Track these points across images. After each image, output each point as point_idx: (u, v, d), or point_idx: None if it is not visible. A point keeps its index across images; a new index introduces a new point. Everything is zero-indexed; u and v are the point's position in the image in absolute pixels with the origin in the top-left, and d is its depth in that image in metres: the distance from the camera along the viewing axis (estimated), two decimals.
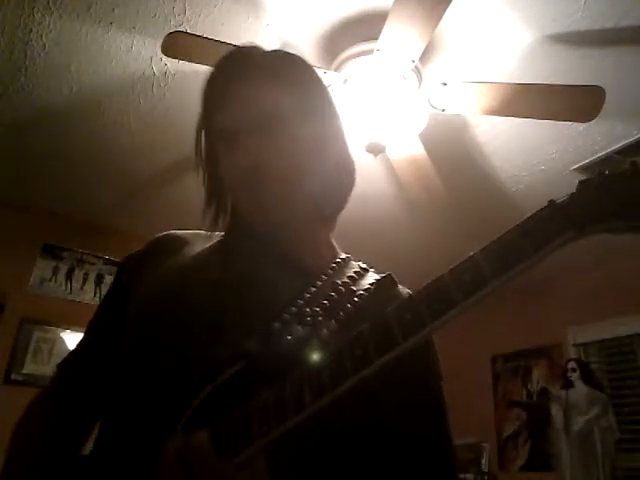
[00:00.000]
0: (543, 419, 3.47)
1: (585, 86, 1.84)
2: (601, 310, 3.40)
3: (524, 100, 1.87)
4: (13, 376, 2.98)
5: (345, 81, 1.96)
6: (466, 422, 4.00)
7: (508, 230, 0.52)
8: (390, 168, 2.40)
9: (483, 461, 3.86)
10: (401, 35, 1.69)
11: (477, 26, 1.88)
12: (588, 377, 3.26)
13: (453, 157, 2.55)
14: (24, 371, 3.02)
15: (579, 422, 3.12)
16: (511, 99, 1.86)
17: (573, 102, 1.83)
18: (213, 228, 0.82)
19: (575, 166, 2.56)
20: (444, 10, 1.59)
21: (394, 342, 0.51)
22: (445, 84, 1.92)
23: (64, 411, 0.81)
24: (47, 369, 3.08)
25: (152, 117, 2.42)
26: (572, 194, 0.51)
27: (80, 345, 0.86)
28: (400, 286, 0.77)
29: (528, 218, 0.51)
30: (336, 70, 1.99)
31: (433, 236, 3.26)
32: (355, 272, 0.76)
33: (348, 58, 1.97)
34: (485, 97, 1.88)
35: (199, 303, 0.70)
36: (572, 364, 3.33)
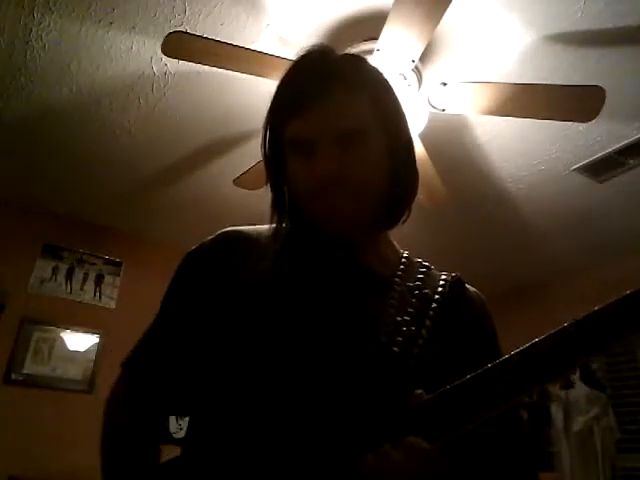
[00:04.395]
0: (543, 419, 3.46)
1: (585, 86, 1.84)
2: None
3: (524, 100, 1.87)
4: (13, 376, 2.98)
5: None
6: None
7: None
8: None
9: None
10: (401, 35, 1.69)
11: (477, 26, 1.88)
12: (588, 377, 3.26)
13: (453, 157, 2.55)
14: (24, 371, 3.02)
15: (579, 422, 3.12)
16: (511, 99, 1.86)
17: (573, 102, 1.83)
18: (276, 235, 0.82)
19: (575, 166, 2.57)
20: (444, 10, 1.59)
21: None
22: (445, 84, 1.92)
23: (151, 419, 0.77)
24: (47, 369, 3.09)
25: (152, 117, 2.42)
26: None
27: (154, 342, 0.80)
28: (467, 285, 0.81)
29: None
30: None
31: (433, 235, 3.26)
32: (422, 272, 0.79)
33: None
34: (485, 97, 1.88)
35: (302, 302, 0.70)
36: None
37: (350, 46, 1.96)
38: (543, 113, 1.91)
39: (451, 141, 2.45)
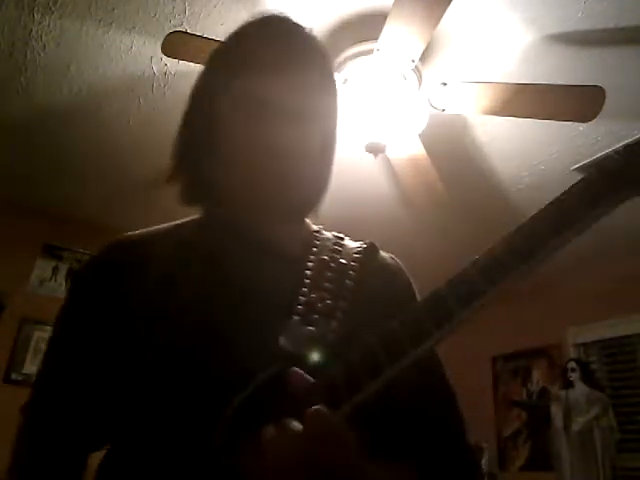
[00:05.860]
0: (543, 419, 3.46)
1: (585, 86, 1.84)
2: (601, 310, 3.40)
3: (524, 100, 1.87)
4: (13, 376, 2.99)
5: (345, 81, 1.96)
6: (466, 422, 4.00)
7: (562, 193, 0.54)
8: (390, 168, 2.40)
9: (483, 461, 3.86)
10: (401, 35, 1.69)
11: (477, 26, 1.88)
12: (588, 377, 3.26)
13: (453, 157, 2.55)
14: (24, 371, 3.02)
15: (579, 422, 3.12)
16: (511, 99, 1.86)
17: (573, 102, 1.83)
18: (185, 201, 0.78)
19: (575, 166, 2.56)
20: (444, 10, 1.59)
21: (477, 290, 0.52)
22: (445, 84, 1.92)
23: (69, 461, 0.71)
24: None
25: (152, 117, 2.42)
26: (621, 152, 0.52)
27: (54, 383, 0.72)
28: (381, 251, 0.80)
29: (584, 178, 0.53)
30: (336, 70, 1.99)
31: (433, 236, 3.26)
32: (336, 244, 0.77)
33: (348, 58, 1.97)
34: (485, 97, 1.88)
35: (210, 307, 0.67)
36: (572, 364, 3.33)
37: (350, 46, 1.96)
38: (543, 113, 1.91)
39: (451, 141, 2.45)
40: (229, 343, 0.63)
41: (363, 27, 1.90)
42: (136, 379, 0.64)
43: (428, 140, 2.13)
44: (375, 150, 1.98)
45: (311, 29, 0.80)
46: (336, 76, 2.09)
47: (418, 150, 2.16)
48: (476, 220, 3.10)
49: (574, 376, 3.26)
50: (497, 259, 0.53)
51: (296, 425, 0.51)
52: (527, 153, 2.52)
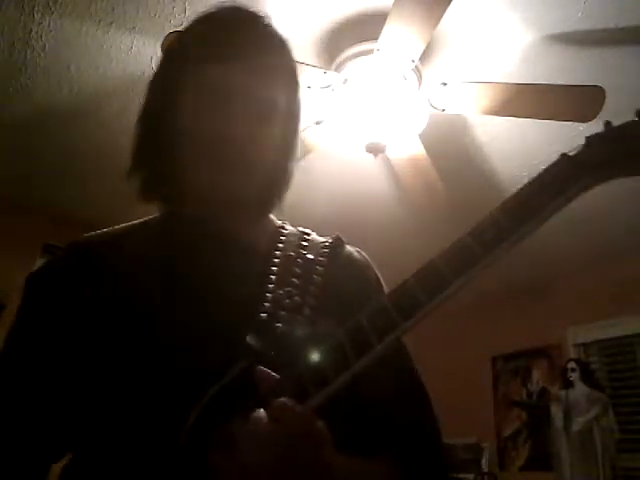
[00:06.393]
0: (543, 419, 3.46)
1: (585, 86, 1.84)
2: (601, 310, 3.40)
3: (524, 100, 1.87)
4: None
5: (345, 81, 1.96)
6: (466, 422, 4.00)
7: (527, 182, 0.57)
8: (390, 168, 2.40)
9: (483, 461, 3.86)
10: (401, 35, 1.69)
11: (477, 26, 1.88)
12: (588, 377, 3.26)
13: (453, 157, 2.55)
14: None
15: (579, 422, 3.12)
16: (511, 99, 1.86)
17: (573, 102, 1.83)
18: (145, 197, 0.77)
19: None
20: (444, 10, 1.59)
21: (445, 281, 0.54)
22: (445, 84, 1.92)
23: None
24: None
25: None
26: (582, 147, 0.57)
27: (14, 389, 0.67)
28: (348, 245, 0.79)
29: (544, 171, 0.58)
30: (336, 70, 1.99)
31: (433, 236, 3.26)
32: (302, 239, 0.76)
33: (348, 58, 1.97)
34: (485, 97, 1.88)
35: (175, 306, 0.65)
36: (572, 364, 3.33)
37: (350, 46, 1.96)
38: (543, 113, 1.91)
39: (451, 141, 2.45)
40: (196, 342, 0.61)
41: (363, 27, 1.90)
42: (98, 383, 0.62)
43: (428, 140, 2.13)
44: (375, 150, 1.98)
45: (269, 17, 0.78)
46: (336, 76, 2.08)
47: (418, 150, 2.16)
48: (476, 220, 3.10)
49: (574, 376, 3.26)
50: (464, 250, 0.55)
51: (263, 417, 0.51)
52: (527, 153, 2.52)
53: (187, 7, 1.85)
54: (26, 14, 1.90)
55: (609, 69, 1.99)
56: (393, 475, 0.64)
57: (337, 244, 0.77)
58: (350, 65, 1.96)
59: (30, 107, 2.39)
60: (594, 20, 1.81)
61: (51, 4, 1.86)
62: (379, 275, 0.80)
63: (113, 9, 1.88)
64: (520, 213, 0.56)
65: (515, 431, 3.81)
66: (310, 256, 0.73)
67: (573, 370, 3.28)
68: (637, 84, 2.06)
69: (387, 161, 2.30)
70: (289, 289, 0.67)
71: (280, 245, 0.74)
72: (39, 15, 1.90)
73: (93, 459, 0.61)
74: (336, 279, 0.71)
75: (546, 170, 0.56)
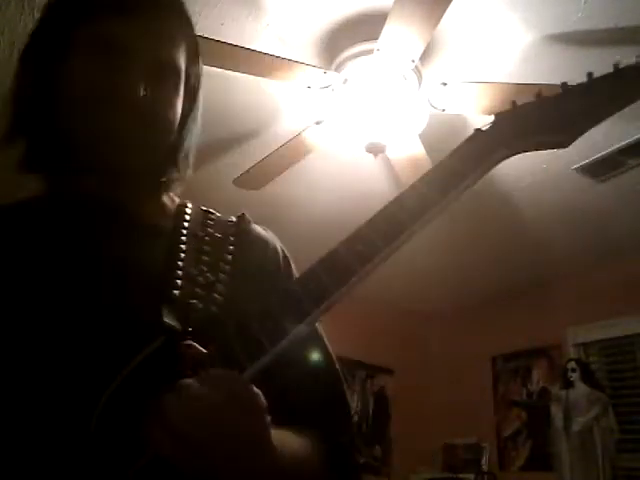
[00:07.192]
0: (543, 419, 3.46)
1: None
2: (601, 310, 3.40)
3: (524, 100, 1.87)
4: None
5: (345, 81, 1.96)
6: (466, 422, 4.00)
7: (445, 157, 0.61)
8: (390, 168, 2.40)
9: (483, 461, 3.86)
10: (401, 35, 1.69)
11: (477, 26, 1.88)
12: (588, 377, 3.26)
13: None
14: None
15: (579, 422, 3.12)
16: (511, 99, 1.86)
17: None
18: (28, 167, 0.71)
19: (575, 166, 2.56)
20: (444, 10, 1.59)
21: (403, 228, 0.57)
22: (445, 84, 1.92)
23: None
24: None
25: None
26: (492, 123, 0.65)
27: None
28: (254, 224, 0.78)
29: (462, 144, 0.64)
30: (336, 70, 1.99)
31: (433, 236, 3.26)
32: (207, 219, 0.75)
33: (348, 58, 1.97)
34: (485, 97, 1.88)
35: (81, 285, 0.62)
36: (572, 364, 3.33)
37: (350, 46, 1.96)
38: None
39: (451, 141, 2.44)
40: (108, 324, 0.58)
41: (363, 27, 1.90)
42: (6, 372, 0.57)
43: (428, 140, 2.13)
44: (375, 150, 1.98)
45: None
46: (336, 76, 2.07)
47: (418, 150, 2.16)
48: (476, 220, 3.10)
49: (574, 376, 3.26)
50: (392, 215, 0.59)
51: (192, 383, 0.49)
52: (527, 153, 2.52)
53: (187, 7, 1.85)
54: (26, 14, 1.90)
55: (609, 69, 1.98)
56: (316, 448, 0.64)
57: (245, 222, 0.77)
58: (350, 65, 1.96)
59: None
60: (594, 20, 1.81)
61: None
62: (287, 251, 0.80)
63: None
64: (443, 184, 0.60)
65: (515, 431, 3.81)
66: (218, 235, 0.72)
67: (573, 370, 3.28)
68: None
69: (387, 161, 2.30)
70: (201, 267, 0.66)
71: (185, 223, 0.72)
72: (39, 15, 1.90)
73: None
74: (247, 257, 0.72)
75: (463, 144, 0.61)
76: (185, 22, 0.76)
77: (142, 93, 0.65)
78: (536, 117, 0.65)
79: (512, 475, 3.73)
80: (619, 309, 3.31)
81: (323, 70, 1.91)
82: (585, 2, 1.74)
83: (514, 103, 0.69)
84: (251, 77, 1.87)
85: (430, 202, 0.59)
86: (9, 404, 0.56)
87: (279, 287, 0.60)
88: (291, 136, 2.13)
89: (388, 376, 4.20)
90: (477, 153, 0.61)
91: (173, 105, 0.70)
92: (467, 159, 0.61)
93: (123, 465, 0.51)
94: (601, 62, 1.97)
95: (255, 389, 0.51)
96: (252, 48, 1.79)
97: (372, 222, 0.59)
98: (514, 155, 0.64)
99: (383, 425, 4.12)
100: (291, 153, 2.16)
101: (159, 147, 0.71)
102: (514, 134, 0.63)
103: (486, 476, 3.79)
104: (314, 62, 1.99)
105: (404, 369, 4.16)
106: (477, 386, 4.05)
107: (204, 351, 0.53)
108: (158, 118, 0.68)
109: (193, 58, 0.75)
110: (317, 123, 2.07)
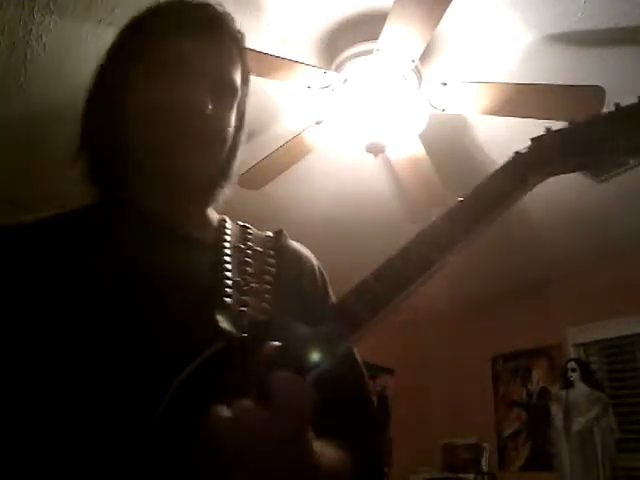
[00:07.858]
0: (543, 419, 3.47)
1: (585, 86, 1.84)
2: (601, 310, 3.41)
3: (524, 100, 1.87)
4: None
5: (345, 81, 1.96)
6: (466, 422, 4.01)
7: (487, 177, 0.59)
8: (390, 168, 2.40)
9: (483, 461, 3.87)
10: (401, 35, 1.69)
11: (477, 26, 1.88)
12: (588, 377, 3.26)
13: (453, 157, 2.55)
14: None
15: (579, 422, 3.12)
16: (511, 99, 1.86)
17: (573, 102, 1.83)
18: (91, 179, 0.75)
19: None
20: (444, 10, 1.59)
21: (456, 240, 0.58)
22: (445, 84, 1.92)
23: None
24: None
25: None
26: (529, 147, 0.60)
27: None
28: (291, 240, 0.81)
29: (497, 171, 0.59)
30: (336, 70, 1.99)
31: None
32: (246, 233, 0.78)
33: (348, 58, 1.97)
34: (485, 97, 1.88)
35: (131, 294, 0.63)
36: (572, 364, 3.33)
37: (350, 46, 1.96)
38: (543, 113, 1.91)
39: (451, 141, 2.45)
40: (167, 330, 0.60)
41: (363, 27, 1.90)
42: (72, 375, 0.58)
43: (428, 140, 2.13)
44: (375, 150, 1.98)
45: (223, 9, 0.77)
46: (336, 76, 2.08)
47: (418, 150, 2.16)
48: None
49: (574, 376, 3.26)
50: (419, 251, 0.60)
51: (249, 403, 0.49)
52: None
53: None
54: (26, 14, 1.90)
55: (609, 69, 1.99)
56: (348, 461, 0.64)
57: (282, 237, 0.80)
58: (350, 65, 1.96)
59: (30, 107, 2.39)
60: (594, 20, 1.81)
61: (51, 4, 1.86)
62: (323, 270, 0.83)
63: (113, 9, 1.88)
64: (490, 201, 0.58)
65: (515, 431, 3.81)
66: (258, 248, 0.75)
67: (573, 370, 3.28)
68: (637, 84, 2.06)
69: (387, 161, 2.30)
70: (246, 277, 0.69)
71: (226, 237, 0.75)
72: (39, 15, 1.90)
73: (62, 450, 0.56)
74: (287, 269, 0.74)
75: (500, 169, 0.59)
76: (241, 43, 0.79)
77: (209, 108, 0.68)
78: (581, 138, 0.58)
79: (512, 475, 3.73)
80: (619, 309, 3.31)
81: (323, 70, 1.91)
82: (585, 2, 1.74)
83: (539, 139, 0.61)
84: (251, 77, 1.87)
85: (480, 215, 0.58)
86: (76, 404, 0.57)
87: (322, 300, 0.62)
88: (291, 136, 2.13)
89: (388, 376, 4.21)
90: (513, 178, 0.58)
91: (230, 123, 0.74)
92: (501, 183, 0.58)
93: (183, 465, 0.52)
94: (601, 62, 1.97)
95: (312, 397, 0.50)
96: (252, 48, 1.79)
97: (421, 235, 0.60)
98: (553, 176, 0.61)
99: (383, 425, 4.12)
100: (291, 153, 2.16)
101: (216, 163, 0.74)
102: (560, 154, 0.58)
103: (486, 476, 3.79)
104: (314, 62, 1.99)
105: (404, 369, 4.17)
106: (477, 386, 4.05)
107: (279, 345, 0.53)
108: (219, 134, 0.73)
109: (246, 78, 0.79)
110: (317, 123, 2.07)
